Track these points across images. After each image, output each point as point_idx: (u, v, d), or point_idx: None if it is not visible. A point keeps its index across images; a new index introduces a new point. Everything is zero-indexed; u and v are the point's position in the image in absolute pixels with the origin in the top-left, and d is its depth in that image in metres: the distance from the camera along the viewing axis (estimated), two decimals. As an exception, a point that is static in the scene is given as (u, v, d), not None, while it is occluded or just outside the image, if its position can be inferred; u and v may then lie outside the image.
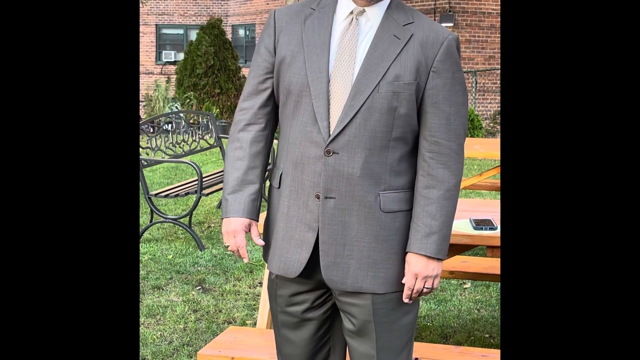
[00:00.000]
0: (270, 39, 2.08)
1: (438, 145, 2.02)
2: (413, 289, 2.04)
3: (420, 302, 2.20)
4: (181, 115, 7.69)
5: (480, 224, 3.00)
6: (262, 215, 2.46)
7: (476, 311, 4.41)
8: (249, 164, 2.11)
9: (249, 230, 2.13)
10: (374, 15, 2.02)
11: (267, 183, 7.13)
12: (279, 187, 2.10)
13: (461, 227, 3.00)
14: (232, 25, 22.42)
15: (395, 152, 2.02)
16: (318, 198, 2.02)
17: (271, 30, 2.09)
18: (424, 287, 2.04)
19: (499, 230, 2.95)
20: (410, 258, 2.04)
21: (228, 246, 2.14)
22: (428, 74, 2.00)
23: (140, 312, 4.32)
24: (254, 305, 4.46)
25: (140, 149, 6.18)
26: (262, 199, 4.53)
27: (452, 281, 4.91)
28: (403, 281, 2.05)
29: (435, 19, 14.91)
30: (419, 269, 2.02)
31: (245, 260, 2.11)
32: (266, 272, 3.30)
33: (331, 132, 1.99)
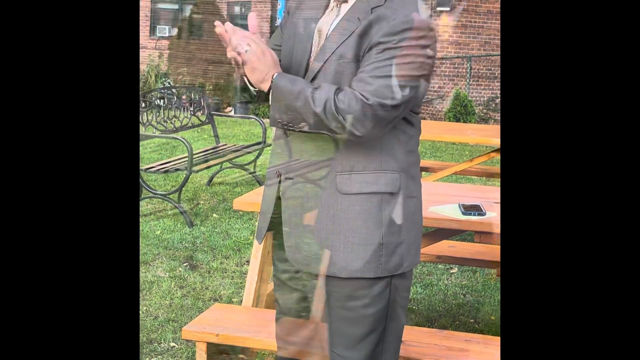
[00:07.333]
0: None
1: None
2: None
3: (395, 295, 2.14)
4: (173, 91, 7.65)
5: (469, 209, 3.00)
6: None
7: (462, 296, 4.43)
8: None
9: None
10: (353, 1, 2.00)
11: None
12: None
13: (450, 212, 3.00)
14: (228, 2, 22.29)
15: None
16: (277, 176, 2.08)
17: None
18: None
19: (487, 215, 2.95)
20: None
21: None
22: (369, 49, 1.91)
23: (127, 286, 4.32)
24: (241, 283, 4.47)
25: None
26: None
27: (439, 266, 4.92)
28: None
29: (432, 3, 14.85)
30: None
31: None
32: (255, 246, 3.29)
33: None
